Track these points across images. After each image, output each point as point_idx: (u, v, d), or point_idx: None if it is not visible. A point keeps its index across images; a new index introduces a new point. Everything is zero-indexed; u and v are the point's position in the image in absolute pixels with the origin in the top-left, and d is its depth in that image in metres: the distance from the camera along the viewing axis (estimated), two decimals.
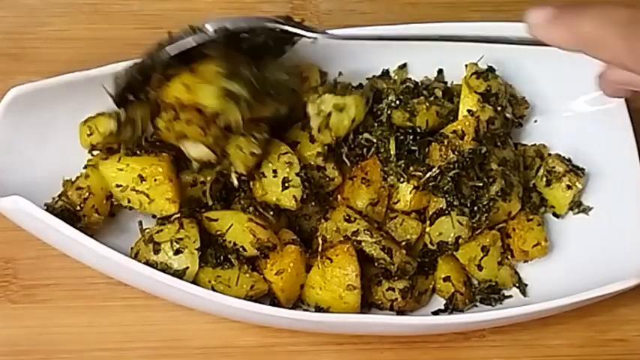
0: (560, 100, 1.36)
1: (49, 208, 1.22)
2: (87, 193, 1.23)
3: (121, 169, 1.24)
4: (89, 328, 1.26)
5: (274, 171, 1.24)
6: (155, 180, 1.23)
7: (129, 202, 1.24)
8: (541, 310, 1.21)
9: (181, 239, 1.21)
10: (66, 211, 1.22)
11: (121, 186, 1.24)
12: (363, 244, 1.24)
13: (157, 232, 1.22)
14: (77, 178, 1.25)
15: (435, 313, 1.26)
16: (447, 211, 1.24)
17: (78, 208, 1.23)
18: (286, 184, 1.24)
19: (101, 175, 1.24)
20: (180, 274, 1.20)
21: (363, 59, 1.35)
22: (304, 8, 1.48)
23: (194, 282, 1.20)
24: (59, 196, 1.24)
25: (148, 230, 1.24)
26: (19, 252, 1.29)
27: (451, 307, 1.26)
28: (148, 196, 1.23)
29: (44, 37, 1.45)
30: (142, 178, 1.23)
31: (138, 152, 1.25)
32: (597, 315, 1.28)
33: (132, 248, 1.24)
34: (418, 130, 1.28)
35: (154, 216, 1.27)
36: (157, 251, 1.21)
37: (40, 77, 1.27)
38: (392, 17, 1.45)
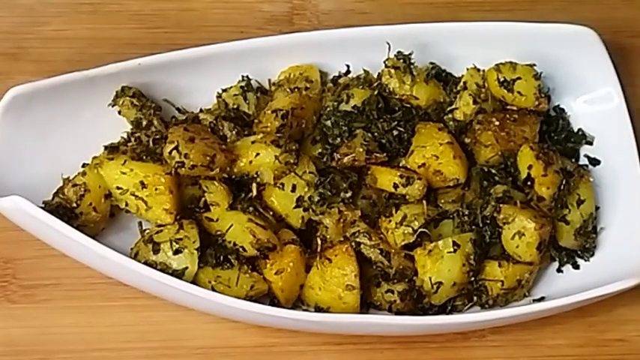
0: (560, 101, 1.36)
1: (46, 206, 1.22)
2: (83, 190, 1.23)
3: (124, 173, 1.24)
4: (89, 328, 1.26)
5: (294, 186, 1.24)
6: (156, 189, 1.23)
7: (126, 205, 1.24)
8: (541, 310, 1.21)
9: (181, 239, 1.21)
10: (62, 208, 1.22)
11: (121, 189, 1.24)
12: (361, 246, 1.24)
13: (157, 232, 1.22)
14: (75, 176, 1.25)
15: (435, 313, 1.26)
16: (451, 216, 1.25)
17: (74, 205, 1.23)
18: (299, 203, 1.24)
19: (100, 174, 1.24)
20: (179, 274, 1.20)
21: (362, 57, 1.35)
22: (304, 8, 1.48)
23: (194, 282, 1.20)
24: (56, 193, 1.24)
25: (147, 230, 1.24)
26: (19, 252, 1.29)
27: (450, 307, 1.26)
28: (146, 203, 1.23)
29: (43, 37, 1.44)
30: (143, 185, 1.23)
31: (144, 158, 1.25)
32: (597, 315, 1.28)
33: (132, 248, 1.24)
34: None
35: None
36: (156, 251, 1.21)
37: (38, 77, 1.27)
38: (391, 17, 1.45)
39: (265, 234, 1.22)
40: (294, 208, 1.24)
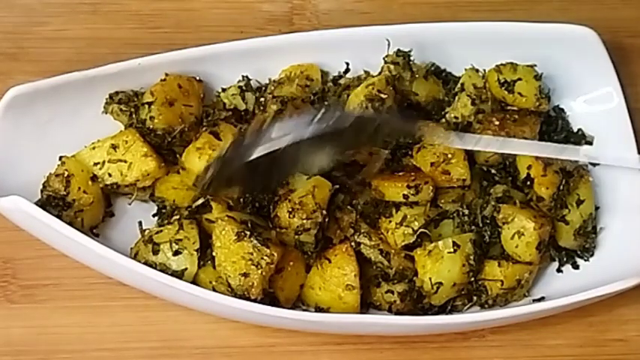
0: (560, 101, 1.36)
1: (39, 203, 1.22)
2: (67, 176, 1.23)
3: (94, 148, 1.26)
4: (89, 328, 1.26)
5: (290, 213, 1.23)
6: (126, 142, 1.25)
7: (110, 176, 1.25)
8: (541, 310, 1.21)
9: (181, 240, 1.21)
10: (52, 199, 1.22)
11: (98, 163, 1.25)
12: (361, 246, 1.24)
13: (157, 232, 1.22)
14: (55, 169, 1.26)
15: (435, 313, 1.26)
16: (451, 216, 1.25)
17: (63, 193, 1.23)
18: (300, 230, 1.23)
19: (78, 160, 1.25)
20: (178, 275, 1.20)
21: (362, 57, 1.35)
22: (303, 8, 1.48)
23: (194, 282, 1.20)
24: (42, 189, 1.24)
25: (147, 231, 1.24)
26: (19, 252, 1.29)
27: (450, 307, 1.26)
28: (125, 161, 1.25)
29: (43, 37, 1.44)
30: (114, 147, 1.26)
31: None
32: (597, 315, 1.28)
33: (131, 248, 1.24)
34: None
35: (154, 215, 1.28)
36: (156, 252, 1.21)
37: (38, 77, 1.27)
38: (391, 17, 1.45)
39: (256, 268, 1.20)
40: (295, 235, 1.22)
